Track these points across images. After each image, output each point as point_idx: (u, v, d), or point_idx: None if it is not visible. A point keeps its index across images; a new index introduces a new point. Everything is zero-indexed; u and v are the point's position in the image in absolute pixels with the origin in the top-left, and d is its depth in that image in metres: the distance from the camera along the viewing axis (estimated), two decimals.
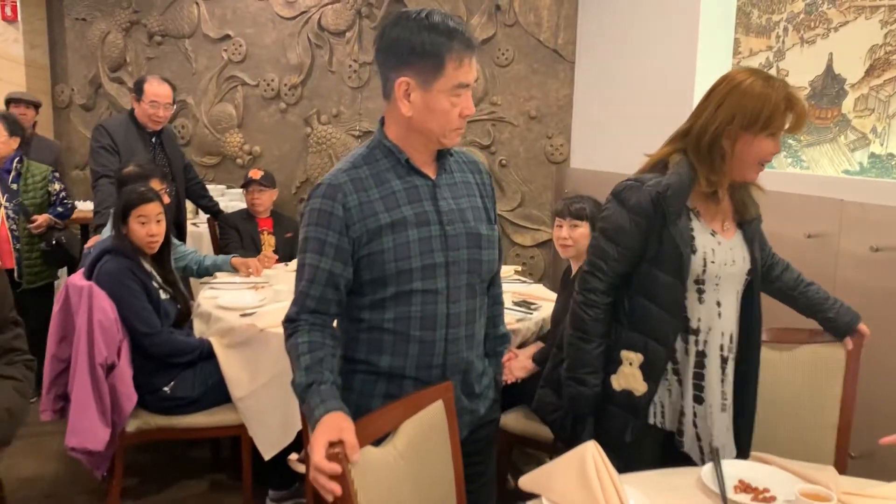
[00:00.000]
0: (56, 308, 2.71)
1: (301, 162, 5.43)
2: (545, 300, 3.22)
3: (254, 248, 3.91)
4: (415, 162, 1.62)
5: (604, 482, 1.47)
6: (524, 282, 3.69)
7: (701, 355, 1.84)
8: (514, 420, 2.77)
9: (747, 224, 1.90)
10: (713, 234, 1.84)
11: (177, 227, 3.92)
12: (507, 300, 2.75)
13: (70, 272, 3.69)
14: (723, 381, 1.85)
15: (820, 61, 3.32)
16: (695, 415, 1.83)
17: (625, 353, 1.86)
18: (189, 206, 4.45)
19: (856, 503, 1.53)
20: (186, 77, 5.47)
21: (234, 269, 3.44)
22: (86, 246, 3.41)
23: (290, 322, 1.58)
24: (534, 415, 2.72)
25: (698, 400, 1.83)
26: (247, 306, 2.95)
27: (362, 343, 1.64)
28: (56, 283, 4.15)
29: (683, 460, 1.83)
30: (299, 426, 2.63)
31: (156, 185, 3.21)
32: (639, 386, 1.84)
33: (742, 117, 1.74)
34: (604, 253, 1.86)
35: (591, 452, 1.52)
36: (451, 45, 1.50)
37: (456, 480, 1.65)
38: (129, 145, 3.70)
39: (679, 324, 1.82)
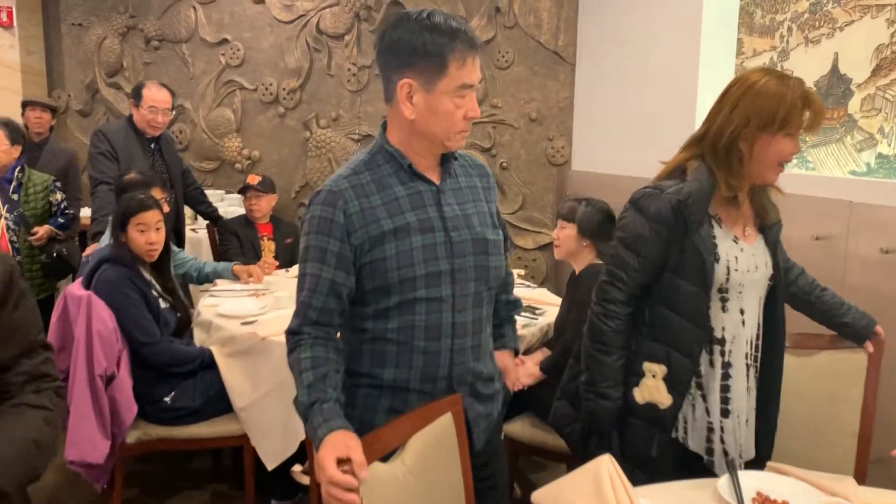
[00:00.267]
0: (54, 318, 2.67)
1: (300, 166, 5.39)
2: (550, 305, 3.18)
3: (254, 254, 3.87)
4: (418, 167, 1.57)
5: (619, 496, 1.43)
6: (528, 286, 3.65)
7: (727, 366, 1.79)
8: (520, 428, 2.73)
9: (768, 229, 1.86)
10: (735, 240, 1.79)
11: (175, 234, 3.88)
12: None
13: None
14: (748, 390, 1.81)
15: (825, 61, 3.29)
16: (722, 429, 1.78)
17: (647, 366, 1.81)
18: (188, 212, 4.41)
19: None
20: (184, 82, 5.42)
21: (236, 277, 3.40)
22: (84, 254, 3.37)
23: (292, 335, 1.54)
24: (540, 422, 2.69)
25: (725, 413, 1.79)
26: (248, 314, 2.91)
27: (365, 355, 1.60)
28: (55, 294, 4.10)
29: (705, 474, 1.79)
30: (302, 436, 2.59)
31: (157, 193, 3.17)
32: (663, 399, 1.79)
33: (758, 118, 1.69)
34: (623, 263, 1.81)
35: (606, 466, 1.48)
36: (454, 45, 1.46)
37: (466, 495, 1.61)
38: (128, 151, 3.66)
39: (703, 334, 1.77)
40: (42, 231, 3.80)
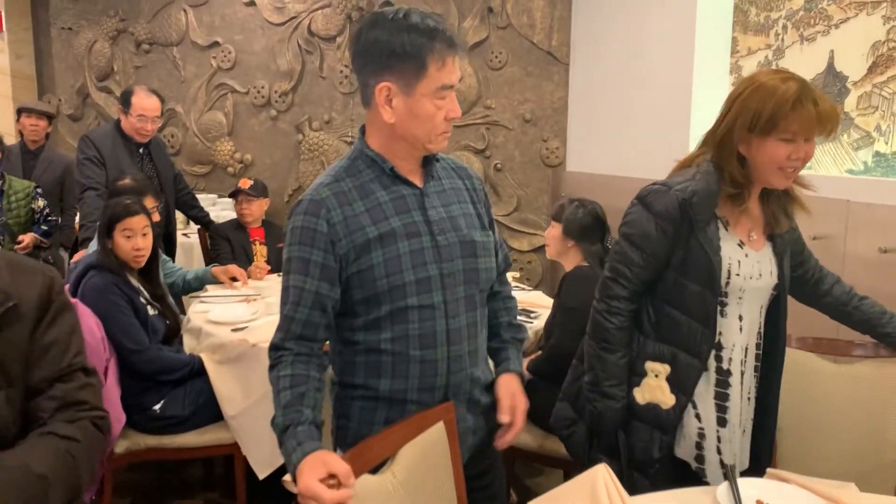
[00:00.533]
0: None
1: (293, 169, 5.36)
2: (544, 308, 3.14)
3: (245, 259, 3.82)
4: (400, 170, 1.53)
5: None
6: (523, 289, 3.61)
7: (725, 374, 1.76)
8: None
9: (778, 237, 1.80)
10: (740, 245, 1.75)
11: (166, 239, 3.84)
12: None
13: None
14: (748, 400, 1.77)
15: (821, 59, 3.25)
16: (718, 439, 1.74)
17: (650, 365, 1.77)
18: (180, 216, 4.36)
19: None
20: (175, 85, 5.39)
21: (217, 280, 3.34)
22: (71, 261, 3.32)
23: (274, 350, 1.50)
24: (537, 428, 2.64)
25: (722, 422, 1.75)
26: (238, 320, 2.87)
27: (359, 366, 1.55)
28: None
29: (694, 482, 1.75)
30: None
31: (150, 202, 3.13)
32: (666, 399, 1.75)
33: (742, 118, 1.64)
34: (628, 259, 1.76)
35: (602, 475, 1.44)
36: (433, 46, 1.42)
37: None
38: (115, 157, 3.61)
39: (711, 335, 1.72)
40: (27, 239, 3.75)
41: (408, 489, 1.43)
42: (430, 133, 1.48)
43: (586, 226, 2.64)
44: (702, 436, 1.75)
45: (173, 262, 3.70)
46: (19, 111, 4.44)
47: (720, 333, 1.75)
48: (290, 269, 1.50)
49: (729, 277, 1.71)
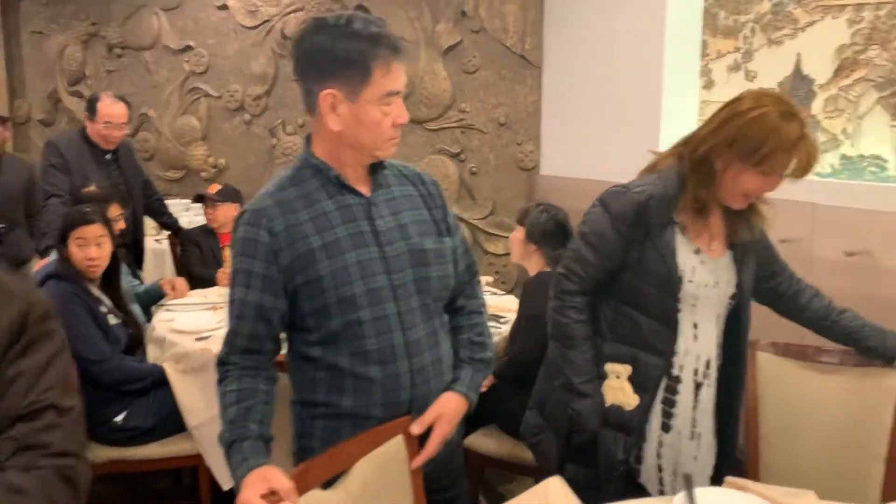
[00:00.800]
0: None
1: (267, 174, 5.30)
2: (514, 312, 3.12)
3: (215, 264, 3.78)
4: (347, 179, 1.50)
5: None
6: (495, 293, 3.59)
7: (674, 380, 1.74)
8: (482, 440, 2.66)
9: (739, 245, 1.79)
10: (697, 251, 1.73)
11: (134, 246, 3.79)
12: None
13: None
14: (694, 407, 1.76)
15: (788, 62, 3.26)
16: (660, 443, 1.74)
17: (610, 367, 1.76)
18: (150, 222, 4.31)
19: None
20: (148, 89, 5.33)
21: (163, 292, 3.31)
22: (33, 270, 3.27)
23: (221, 365, 1.47)
24: (505, 435, 2.63)
25: (666, 427, 1.74)
26: (202, 329, 2.83)
27: (320, 383, 1.51)
28: None
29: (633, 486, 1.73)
30: None
31: (115, 210, 3.09)
32: (629, 400, 1.73)
33: (740, 144, 1.61)
34: (582, 257, 1.76)
35: (554, 488, 1.43)
36: (377, 52, 1.40)
37: None
38: (81, 164, 3.56)
39: (672, 334, 1.71)
40: None
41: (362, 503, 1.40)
42: (377, 140, 1.46)
43: (549, 231, 2.64)
44: (642, 438, 1.75)
45: (141, 268, 3.67)
46: None
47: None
48: (235, 282, 1.47)
49: (681, 283, 1.70)
